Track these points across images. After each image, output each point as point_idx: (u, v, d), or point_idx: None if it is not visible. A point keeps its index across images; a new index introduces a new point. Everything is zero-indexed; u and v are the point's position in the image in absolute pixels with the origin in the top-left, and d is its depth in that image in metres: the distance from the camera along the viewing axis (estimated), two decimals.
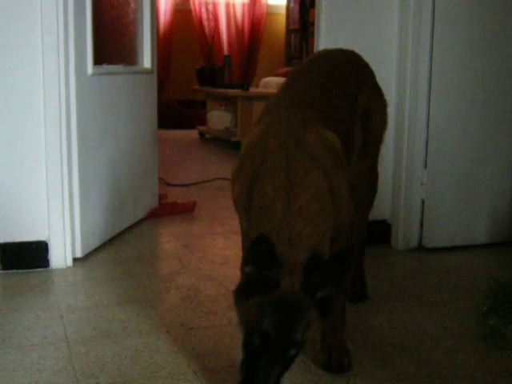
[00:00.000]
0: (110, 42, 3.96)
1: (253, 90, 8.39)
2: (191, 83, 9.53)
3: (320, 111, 2.22)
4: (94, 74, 3.34)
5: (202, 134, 8.95)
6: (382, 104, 2.71)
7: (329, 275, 1.77)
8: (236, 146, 7.10)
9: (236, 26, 10.67)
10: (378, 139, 2.71)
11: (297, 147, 1.97)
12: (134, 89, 3.96)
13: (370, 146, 2.63)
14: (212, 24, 10.52)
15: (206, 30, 10.51)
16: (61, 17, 3.04)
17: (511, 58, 3.52)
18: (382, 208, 3.49)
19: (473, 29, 3.44)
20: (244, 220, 2.07)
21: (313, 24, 3.70)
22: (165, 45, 10.01)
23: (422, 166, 3.49)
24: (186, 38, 10.36)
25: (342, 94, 2.44)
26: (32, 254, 3.15)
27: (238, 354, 2.20)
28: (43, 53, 3.05)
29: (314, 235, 1.83)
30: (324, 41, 3.43)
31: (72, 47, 3.12)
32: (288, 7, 10.61)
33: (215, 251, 3.56)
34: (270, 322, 1.73)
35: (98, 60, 3.44)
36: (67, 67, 3.11)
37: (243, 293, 1.80)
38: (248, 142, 2.15)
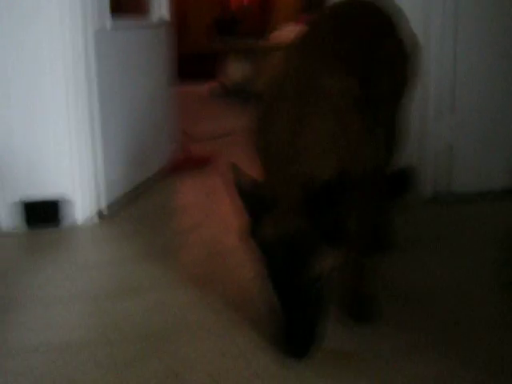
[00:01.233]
0: None
1: (271, 39, 8.27)
2: (209, 34, 9.41)
3: (339, 57, 2.20)
4: (112, 28, 3.30)
5: (221, 86, 8.87)
6: (410, 52, 2.65)
7: (330, 199, 1.77)
8: (256, 97, 7.03)
9: None
10: (406, 88, 2.65)
11: (311, 91, 1.98)
12: (151, 41, 3.92)
13: (397, 95, 2.58)
14: None
15: None
16: None
17: None
18: (408, 156, 3.43)
19: None
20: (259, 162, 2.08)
21: None
22: None
23: (450, 111, 3.43)
24: None
25: (363, 40, 2.39)
26: (56, 211, 3.17)
27: (257, 307, 2.22)
28: (60, 7, 3.01)
29: (318, 172, 1.84)
30: None
31: (89, 1, 3.09)
32: None
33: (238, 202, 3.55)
34: (274, 266, 1.83)
35: (115, 11, 3.39)
36: (85, 21, 3.08)
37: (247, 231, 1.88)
38: (265, 86, 2.18)
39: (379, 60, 2.46)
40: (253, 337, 2.09)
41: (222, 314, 2.25)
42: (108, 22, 3.27)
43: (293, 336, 1.87)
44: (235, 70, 8.38)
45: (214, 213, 3.36)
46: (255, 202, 1.86)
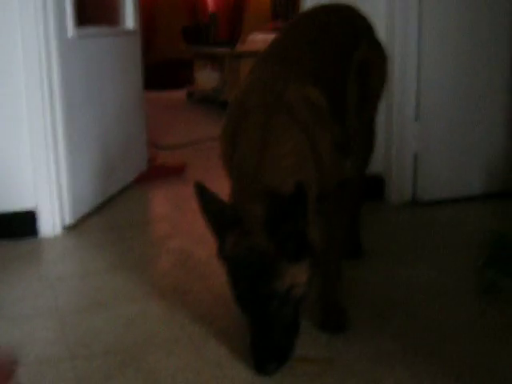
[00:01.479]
0: (92, 2, 3.86)
1: (240, 47, 8.26)
2: (177, 42, 9.39)
3: (308, 67, 2.20)
4: (75, 37, 3.24)
5: (190, 94, 8.84)
6: (381, 60, 2.64)
7: (288, 213, 1.76)
8: (224, 105, 7.01)
9: None
10: (376, 96, 2.64)
11: (276, 103, 1.97)
12: (117, 50, 3.87)
13: (367, 103, 2.56)
14: None
15: None
16: None
17: (502, 8, 3.44)
18: (374, 162, 3.44)
19: None
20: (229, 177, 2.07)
21: None
22: (150, 3, 9.83)
23: (414, 119, 3.44)
24: None
25: (334, 49, 2.38)
26: (20, 224, 3.10)
27: (232, 317, 2.19)
28: (21, 16, 2.95)
29: (284, 187, 1.83)
30: None
31: (51, 9, 3.03)
32: None
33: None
34: (236, 283, 1.86)
35: (80, 21, 3.34)
36: (47, 30, 3.02)
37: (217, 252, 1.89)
38: (233, 98, 2.16)
39: (353, 67, 2.45)
40: (229, 349, 2.04)
41: (196, 327, 2.20)
42: (72, 30, 3.21)
43: (261, 353, 1.85)
44: (204, 78, 8.36)
45: (184, 223, 3.32)
46: (220, 220, 1.85)
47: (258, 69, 2.23)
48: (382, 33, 3.37)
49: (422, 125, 3.45)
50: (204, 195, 1.86)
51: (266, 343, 1.83)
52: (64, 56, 3.14)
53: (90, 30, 3.53)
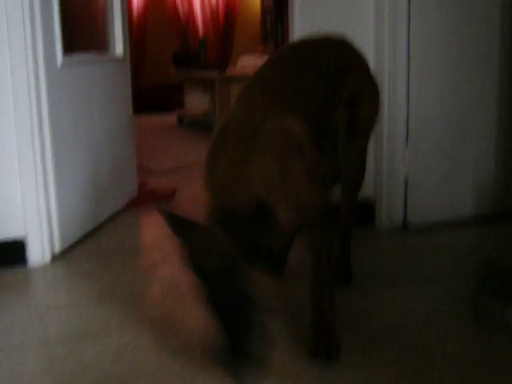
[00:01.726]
0: (80, 30, 3.87)
1: (230, 70, 8.28)
2: (168, 68, 9.41)
3: (291, 99, 2.22)
4: (64, 65, 3.24)
5: (180, 119, 8.84)
6: (372, 91, 2.65)
7: (247, 228, 1.83)
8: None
9: (210, 8, 10.54)
10: (367, 126, 2.64)
11: (252, 136, 2.01)
12: (106, 77, 3.87)
13: (357, 133, 2.57)
14: (186, 7, 10.38)
15: (181, 13, 10.38)
16: (26, 6, 2.94)
17: (493, 32, 3.46)
18: (364, 187, 3.43)
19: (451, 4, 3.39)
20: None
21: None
22: (139, 30, 9.87)
23: (404, 145, 3.44)
24: (160, 22, 10.23)
25: (321, 81, 2.38)
26: (8, 253, 3.08)
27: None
28: (10, 45, 2.95)
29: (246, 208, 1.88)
30: (298, 20, 3.37)
31: (40, 37, 3.03)
32: None
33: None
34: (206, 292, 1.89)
35: (68, 49, 3.34)
36: (36, 59, 3.02)
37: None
38: (216, 127, 2.20)
39: (342, 98, 2.46)
40: (221, 380, 2.01)
41: (187, 358, 2.17)
42: (60, 58, 3.20)
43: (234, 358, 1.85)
44: (194, 103, 8.37)
45: (174, 251, 3.29)
46: (187, 232, 1.90)
47: (242, 99, 2.27)
48: (370, 58, 3.39)
49: (412, 149, 3.45)
50: (173, 219, 1.91)
51: (238, 349, 1.83)
52: (52, 84, 3.13)
53: (79, 57, 3.53)
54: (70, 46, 3.38)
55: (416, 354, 2.15)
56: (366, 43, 3.40)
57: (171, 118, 8.97)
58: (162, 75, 9.88)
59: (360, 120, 2.54)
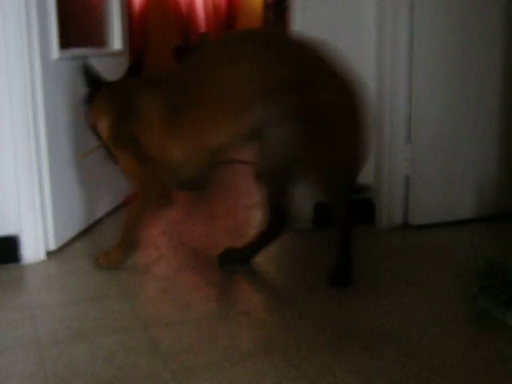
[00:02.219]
0: (78, 24, 3.82)
1: None
2: (168, 62, 9.36)
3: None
4: (60, 59, 3.19)
5: None
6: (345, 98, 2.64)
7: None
8: None
9: (212, 3, 10.47)
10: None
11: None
12: (104, 71, 3.80)
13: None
14: (188, 1, 10.33)
15: (182, 7, 10.32)
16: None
17: (493, 31, 3.42)
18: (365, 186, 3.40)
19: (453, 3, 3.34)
20: None
21: None
22: (141, 24, 9.81)
23: (405, 142, 3.40)
24: (162, 17, 10.17)
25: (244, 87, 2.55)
26: (2, 250, 3.03)
27: (217, 350, 2.12)
28: (5, 39, 2.90)
29: None
30: (300, 15, 3.32)
31: (35, 31, 2.97)
32: None
33: (193, 237, 3.45)
34: None
35: (65, 44, 3.29)
36: (31, 53, 2.97)
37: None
38: None
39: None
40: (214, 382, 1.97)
41: (179, 362, 2.12)
42: (56, 52, 3.15)
43: None
44: None
45: (169, 249, 3.25)
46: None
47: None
48: (372, 56, 3.36)
49: (413, 148, 3.42)
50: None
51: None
52: (48, 78, 3.08)
53: (75, 51, 3.47)
54: (67, 42, 3.32)
55: (415, 361, 2.10)
56: (367, 40, 3.37)
57: None
58: (163, 70, 9.81)
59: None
